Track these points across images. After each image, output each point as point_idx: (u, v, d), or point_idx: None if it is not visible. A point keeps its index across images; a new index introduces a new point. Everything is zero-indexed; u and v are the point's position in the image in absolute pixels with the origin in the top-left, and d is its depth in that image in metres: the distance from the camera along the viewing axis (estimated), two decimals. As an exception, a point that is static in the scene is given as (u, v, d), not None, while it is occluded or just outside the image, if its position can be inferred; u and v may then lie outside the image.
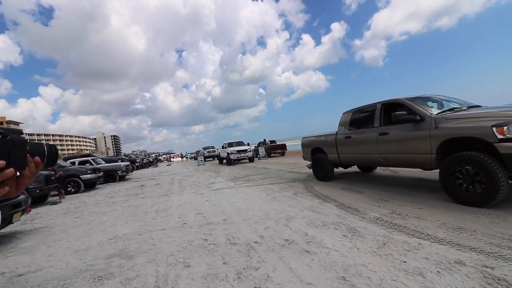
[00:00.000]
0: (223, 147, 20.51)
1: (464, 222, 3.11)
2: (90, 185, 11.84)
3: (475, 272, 2.07)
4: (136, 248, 3.48)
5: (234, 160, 18.26)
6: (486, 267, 2.13)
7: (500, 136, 3.20)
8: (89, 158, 14.76)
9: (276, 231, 3.52)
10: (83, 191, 11.10)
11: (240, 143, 20.26)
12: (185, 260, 2.93)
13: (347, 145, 6.15)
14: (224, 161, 20.99)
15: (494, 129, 3.25)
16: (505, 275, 1.99)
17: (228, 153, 18.14)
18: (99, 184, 13.13)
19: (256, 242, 3.22)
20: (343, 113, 6.63)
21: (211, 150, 31.07)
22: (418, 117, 4.32)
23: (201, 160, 23.85)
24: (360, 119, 5.97)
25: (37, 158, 0.73)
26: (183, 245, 3.41)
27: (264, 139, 24.99)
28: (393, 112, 4.61)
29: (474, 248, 2.46)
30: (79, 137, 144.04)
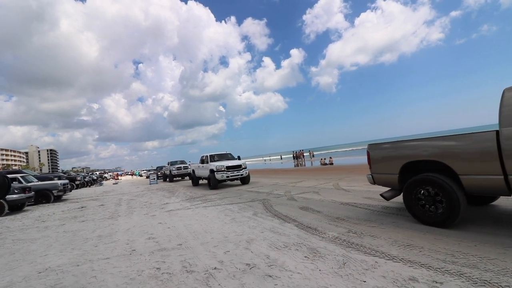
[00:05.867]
0: (202, 162, 14.07)
1: (413, 239, 3.34)
2: (16, 207, 10.10)
3: (427, 288, 2.19)
4: (72, 283, 2.96)
5: (221, 180, 12.16)
6: (436, 282, 2.28)
7: None
8: (17, 175, 12.71)
9: (237, 255, 3.34)
10: (7, 214, 9.38)
11: (226, 156, 14.02)
12: (133, 294, 2.57)
13: None
14: (202, 181, 15.13)
15: None
16: (452, 289, 2.14)
17: (212, 171, 12.19)
18: (28, 205, 11.29)
19: (215, 268, 3.00)
20: (506, 89, 3.27)
21: (182, 166, 22.16)
22: None
23: (154, 179, 22.25)
24: None
25: None
26: (131, 276, 3.01)
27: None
28: None
29: (424, 264, 2.62)
30: (6, 150, 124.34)
